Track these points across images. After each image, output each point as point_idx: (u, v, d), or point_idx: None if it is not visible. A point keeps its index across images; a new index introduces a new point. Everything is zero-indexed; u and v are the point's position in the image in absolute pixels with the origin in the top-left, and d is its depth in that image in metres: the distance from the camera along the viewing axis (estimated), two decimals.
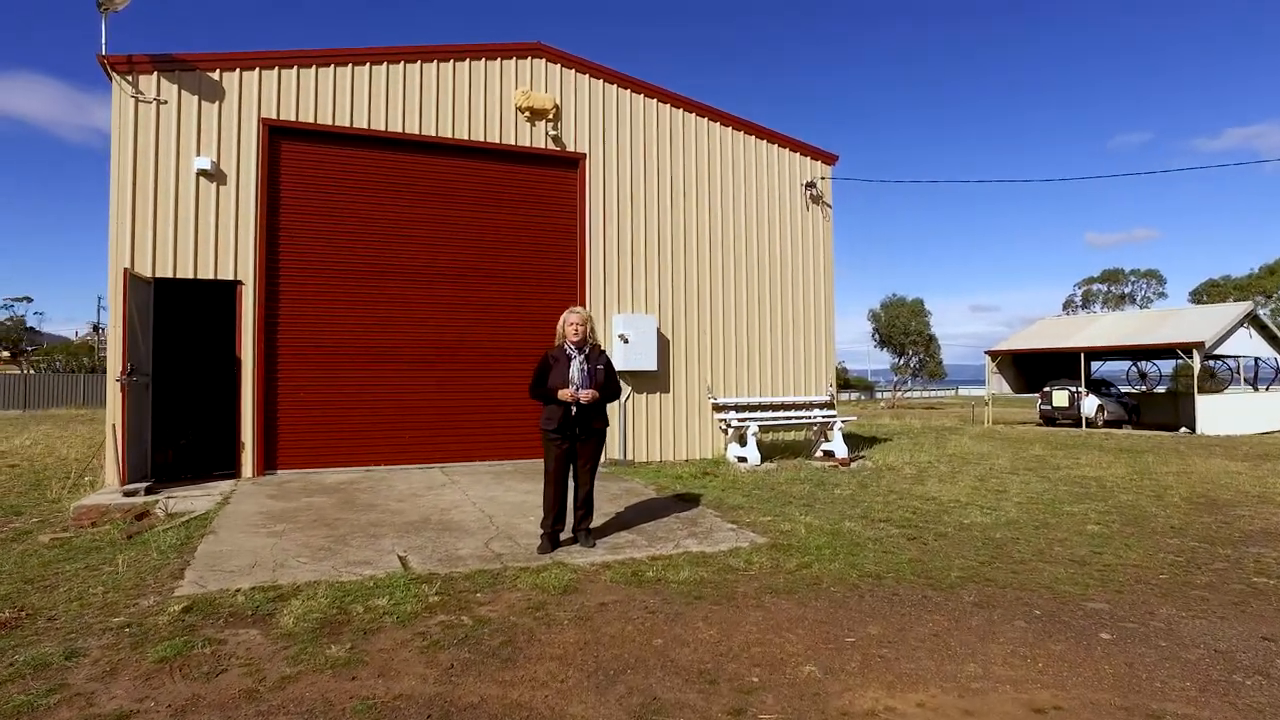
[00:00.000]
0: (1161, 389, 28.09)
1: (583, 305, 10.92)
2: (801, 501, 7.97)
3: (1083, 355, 22.97)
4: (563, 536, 5.92)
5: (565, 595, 4.67)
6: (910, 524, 6.85)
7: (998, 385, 25.43)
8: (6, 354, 53.92)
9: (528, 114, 10.67)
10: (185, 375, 11.07)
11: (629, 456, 11.13)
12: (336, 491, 8.12)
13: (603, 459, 11.24)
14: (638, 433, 11.32)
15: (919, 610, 4.45)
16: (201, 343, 11.69)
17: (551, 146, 10.86)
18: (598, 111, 11.19)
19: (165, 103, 8.84)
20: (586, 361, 5.83)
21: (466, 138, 10.33)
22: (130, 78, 8.70)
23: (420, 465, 9.92)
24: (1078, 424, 22.27)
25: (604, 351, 6.06)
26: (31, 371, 44.03)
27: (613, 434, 11.01)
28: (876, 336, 46.03)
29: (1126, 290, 56.30)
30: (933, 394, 66.14)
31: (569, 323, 5.85)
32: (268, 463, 9.18)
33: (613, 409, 11.30)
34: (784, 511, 7.33)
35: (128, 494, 7.62)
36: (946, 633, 4.08)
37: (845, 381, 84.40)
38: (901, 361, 45.73)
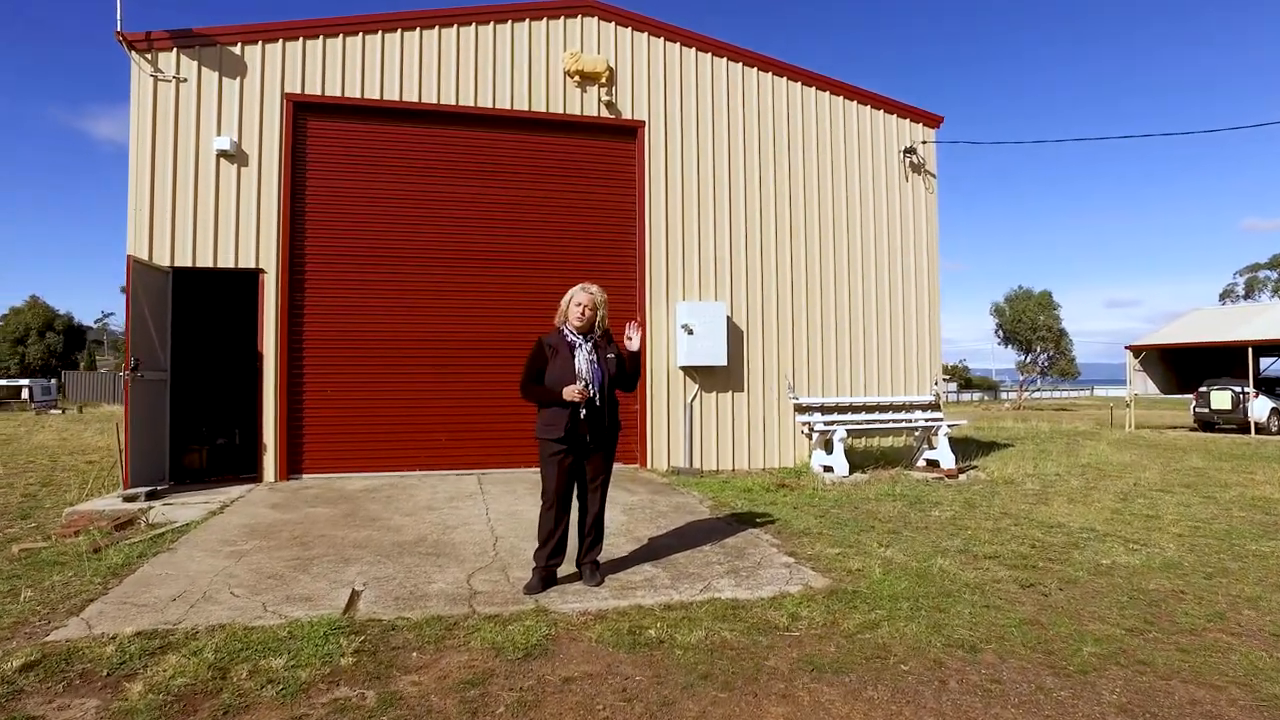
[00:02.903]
0: None
1: (643, 291, 9.74)
2: (887, 527, 6.42)
3: (1250, 350, 19.67)
4: (563, 572, 4.72)
5: (526, 661, 3.45)
6: (1026, 563, 5.20)
7: (1141, 385, 22.28)
8: None
9: (577, 79, 9.54)
10: (227, 372, 10.61)
11: (695, 464, 9.81)
12: (348, 501, 7.25)
13: (665, 465, 10.07)
14: (705, 437, 9.98)
15: (1030, 715, 2.95)
16: (246, 338, 11.26)
17: (605, 114, 9.69)
18: (657, 73, 9.92)
19: (185, 80, 8.28)
20: (595, 351, 4.60)
21: (509, 107, 9.31)
22: (149, 55, 8.18)
23: (458, 471, 8.96)
24: (1243, 430, 19.07)
25: (613, 339, 4.81)
26: None
27: (677, 440, 9.76)
28: (1000, 333, 42.43)
29: None
30: (1064, 394, 60.83)
31: (575, 302, 4.63)
32: (291, 466, 8.46)
33: (677, 410, 10.08)
34: (860, 541, 5.82)
35: (128, 499, 7.01)
36: None
37: (967, 381, 79.42)
38: (1028, 359, 41.92)
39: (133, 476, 7.29)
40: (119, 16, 7.96)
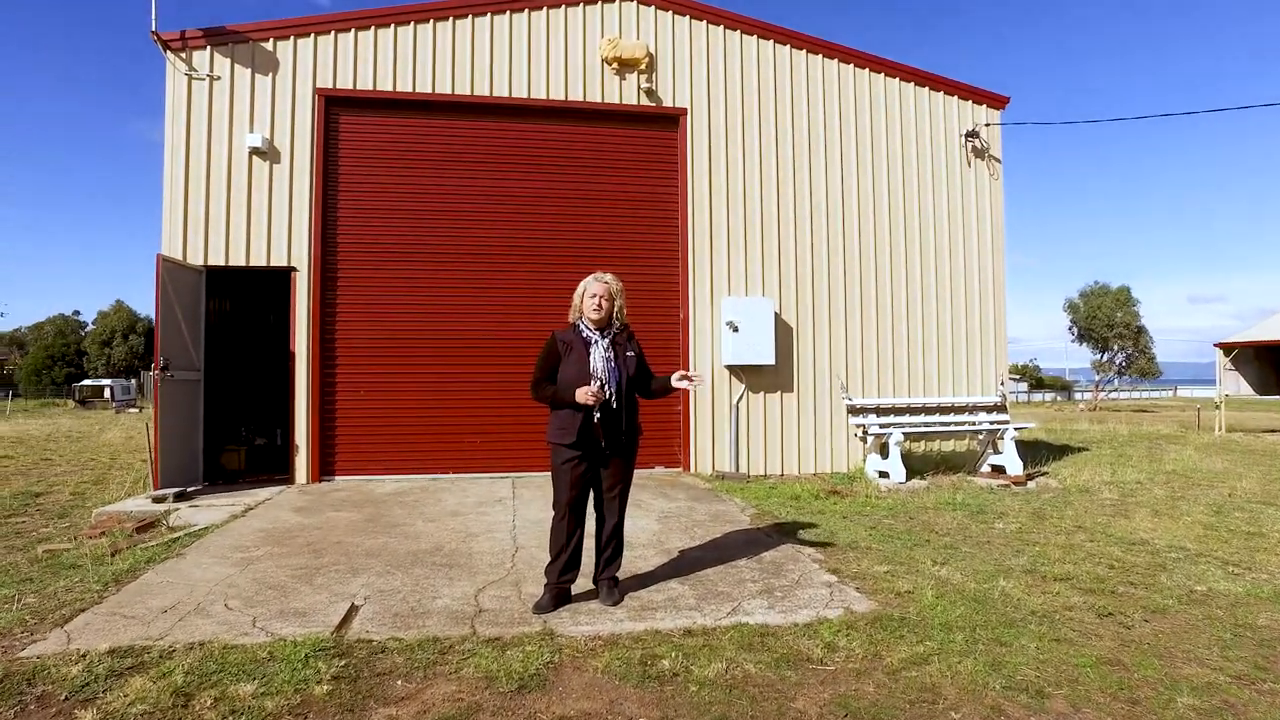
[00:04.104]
0: None
1: (686, 286, 9.29)
2: (944, 541, 5.84)
3: None
4: (581, 588, 4.34)
5: (519, 694, 3.07)
6: (1104, 587, 4.58)
7: (1233, 385, 20.71)
8: None
9: (616, 66, 9.15)
10: (270, 372, 10.58)
11: (741, 469, 9.31)
12: (374, 504, 7.03)
13: (709, 470, 9.59)
14: (753, 440, 9.47)
15: None
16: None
17: (645, 102, 9.28)
18: (700, 58, 9.46)
19: (218, 78, 8.22)
20: (613, 348, 4.20)
21: (545, 97, 8.99)
22: (184, 54, 8.15)
23: (493, 474, 8.68)
24: None
25: (634, 335, 4.39)
26: None
27: (722, 443, 9.29)
28: (1074, 330, 40.35)
29: None
30: (1144, 395, 57.72)
31: (589, 294, 4.23)
32: (324, 468, 8.32)
33: (722, 411, 9.60)
34: (912, 557, 5.27)
35: (157, 500, 6.93)
36: None
37: (1038, 380, 76.27)
38: (1105, 358, 39.74)
39: (163, 478, 7.23)
40: (154, 17, 7.94)
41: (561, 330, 4.30)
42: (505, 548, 5.47)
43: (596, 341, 4.18)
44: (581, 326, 4.24)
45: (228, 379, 10.37)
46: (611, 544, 4.32)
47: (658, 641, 3.64)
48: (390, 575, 4.74)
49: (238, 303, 11.00)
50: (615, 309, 4.27)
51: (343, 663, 3.32)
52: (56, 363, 61.66)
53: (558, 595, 4.15)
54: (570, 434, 4.09)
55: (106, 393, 42.70)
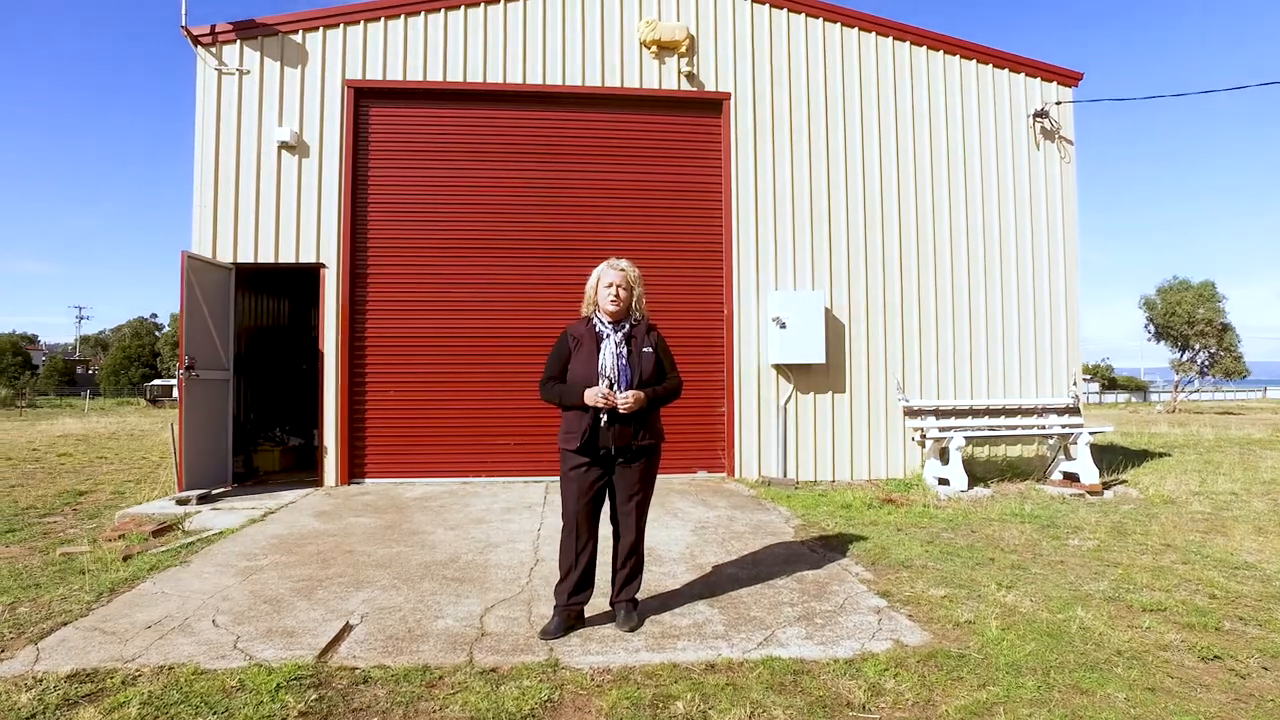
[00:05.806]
0: None
1: (730, 279, 8.79)
2: (1011, 559, 5.22)
3: None
4: (597, 608, 3.91)
5: None
6: (1206, 621, 3.92)
7: None
8: None
9: (654, 49, 8.70)
10: (310, 372, 10.48)
11: (789, 475, 8.76)
12: (398, 510, 6.73)
13: (755, 475, 9.07)
14: (802, 444, 8.89)
15: None
16: None
17: (686, 87, 8.80)
18: (744, 40, 8.93)
19: (248, 73, 8.07)
20: (627, 344, 3.76)
21: (580, 84, 8.59)
22: (214, 49, 8.02)
23: (528, 478, 8.32)
24: None
25: (654, 328, 3.93)
26: None
27: (769, 446, 8.75)
28: (1151, 328, 38.14)
29: None
30: (1230, 396, 54.47)
31: (604, 283, 3.80)
32: (353, 471, 8.08)
33: (769, 413, 9.06)
34: (974, 579, 4.68)
35: (180, 503, 6.78)
36: None
37: (1111, 381, 72.95)
38: (1185, 357, 37.47)
39: (188, 479, 7.08)
40: (183, 12, 7.83)
41: (574, 325, 3.89)
42: (525, 560, 5.08)
43: (609, 336, 3.76)
44: (596, 320, 3.82)
45: (267, 378, 10.31)
46: (629, 562, 3.87)
47: (675, 677, 3.18)
48: (395, 590, 4.39)
49: (281, 301, 10.95)
50: (634, 300, 3.84)
51: (316, 695, 2.96)
52: (133, 363, 64.32)
53: (568, 618, 3.73)
54: (576, 438, 3.68)
55: (174, 392, 44.26)
